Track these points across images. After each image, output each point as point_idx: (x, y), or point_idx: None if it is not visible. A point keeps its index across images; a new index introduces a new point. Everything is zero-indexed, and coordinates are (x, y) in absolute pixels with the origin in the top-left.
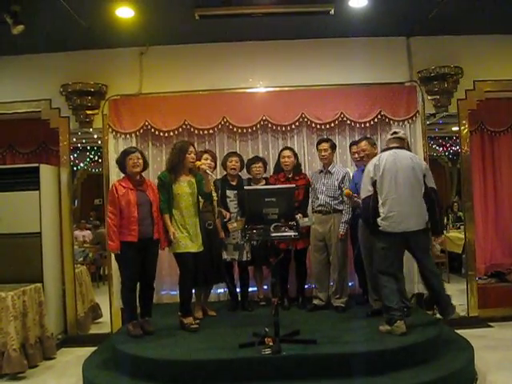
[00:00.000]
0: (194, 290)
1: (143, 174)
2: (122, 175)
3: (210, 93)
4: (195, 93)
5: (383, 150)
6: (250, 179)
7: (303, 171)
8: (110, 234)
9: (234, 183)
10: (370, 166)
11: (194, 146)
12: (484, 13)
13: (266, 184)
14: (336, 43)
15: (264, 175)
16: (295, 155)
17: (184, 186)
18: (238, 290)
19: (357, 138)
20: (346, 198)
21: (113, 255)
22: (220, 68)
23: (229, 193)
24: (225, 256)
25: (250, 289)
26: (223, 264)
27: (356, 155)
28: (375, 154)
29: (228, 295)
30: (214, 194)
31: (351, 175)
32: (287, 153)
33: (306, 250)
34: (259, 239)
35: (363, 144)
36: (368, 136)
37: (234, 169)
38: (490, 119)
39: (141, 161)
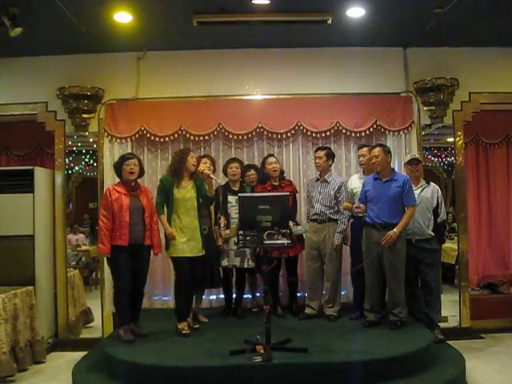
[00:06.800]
0: None
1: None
2: (117, 180)
3: (207, 99)
4: (192, 99)
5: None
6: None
7: (299, 180)
8: (101, 238)
9: (235, 188)
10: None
11: (193, 152)
12: (481, 25)
13: None
14: (333, 52)
15: None
16: (278, 161)
17: (185, 191)
18: (232, 296)
19: (352, 147)
20: (343, 209)
21: (105, 260)
22: (217, 74)
23: (230, 198)
24: (226, 263)
25: (244, 296)
26: (218, 270)
27: (361, 158)
28: (388, 163)
29: (221, 301)
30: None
31: (355, 182)
32: (273, 159)
33: (295, 258)
34: (252, 246)
35: (377, 151)
36: (382, 143)
37: (234, 175)
38: (485, 131)
39: (137, 168)
